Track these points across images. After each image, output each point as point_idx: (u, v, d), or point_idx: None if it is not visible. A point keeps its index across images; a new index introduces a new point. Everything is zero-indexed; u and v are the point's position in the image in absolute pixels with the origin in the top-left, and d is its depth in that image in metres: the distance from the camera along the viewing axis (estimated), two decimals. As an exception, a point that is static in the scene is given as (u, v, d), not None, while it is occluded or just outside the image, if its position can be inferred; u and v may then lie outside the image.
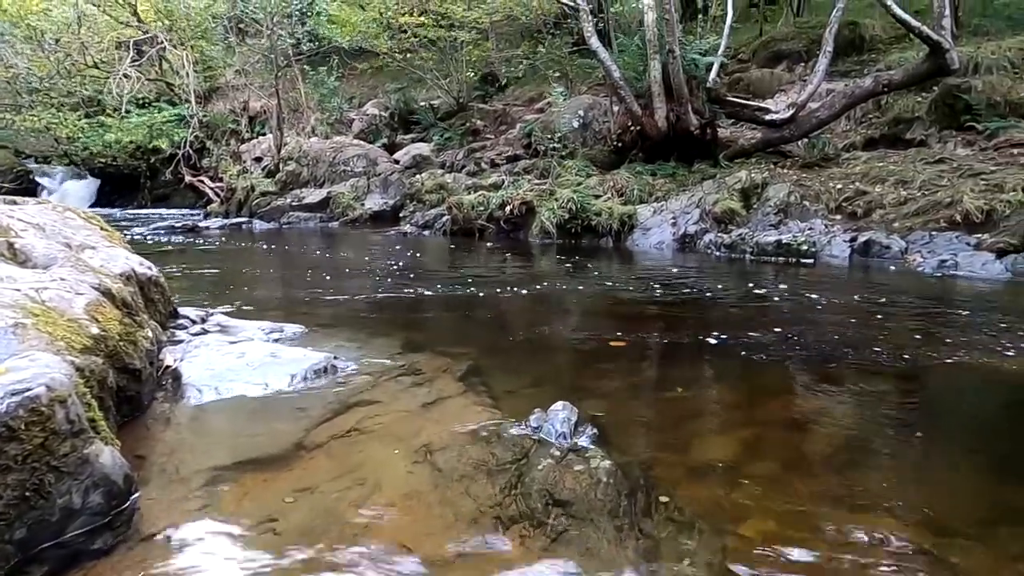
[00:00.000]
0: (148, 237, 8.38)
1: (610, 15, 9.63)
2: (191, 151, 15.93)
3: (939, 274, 4.85)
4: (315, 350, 2.61)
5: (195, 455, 1.74)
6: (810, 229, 6.55)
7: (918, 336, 3.16)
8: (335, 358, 2.51)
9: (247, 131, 16.52)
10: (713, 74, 8.51)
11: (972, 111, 8.24)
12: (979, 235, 5.85)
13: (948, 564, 1.39)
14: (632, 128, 8.66)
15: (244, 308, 3.60)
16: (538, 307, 3.88)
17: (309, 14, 12.06)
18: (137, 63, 15.94)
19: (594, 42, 8.21)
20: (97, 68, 16.17)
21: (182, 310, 3.09)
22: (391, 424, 1.93)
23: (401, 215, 10.47)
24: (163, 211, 14.51)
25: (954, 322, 3.47)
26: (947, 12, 7.65)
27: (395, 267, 5.66)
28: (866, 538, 1.49)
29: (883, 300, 3.96)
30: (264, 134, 15.23)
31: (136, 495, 1.50)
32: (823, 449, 2.03)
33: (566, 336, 3.27)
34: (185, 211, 13.98)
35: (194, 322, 3.00)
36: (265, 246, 7.66)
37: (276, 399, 2.16)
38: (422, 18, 11.72)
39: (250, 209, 11.15)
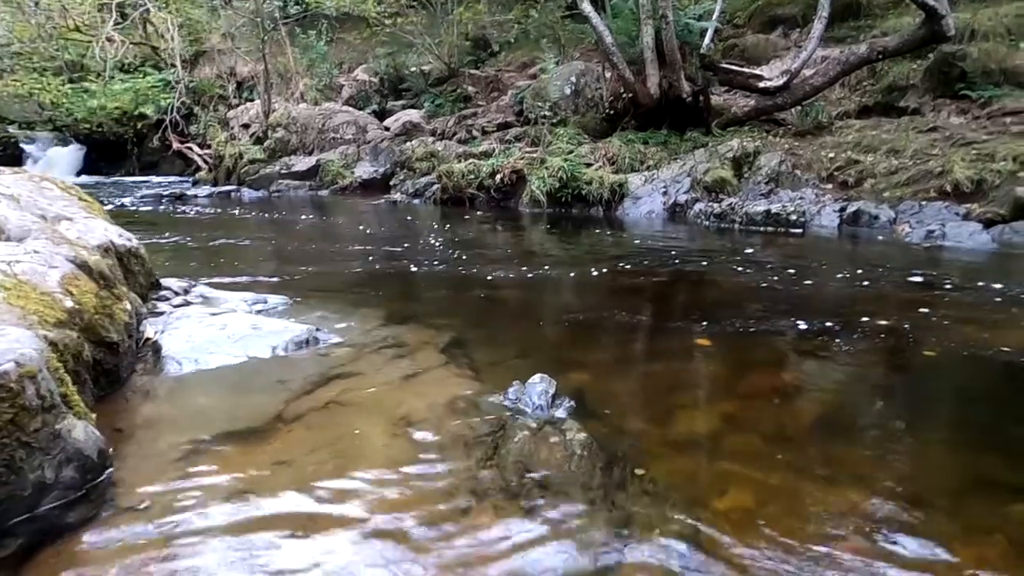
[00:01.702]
0: (135, 206, 8.29)
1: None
2: (178, 117, 15.66)
3: (927, 244, 4.86)
4: (297, 322, 2.61)
5: (173, 428, 1.74)
6: (800, 199, 6.53)
7: (897, 309, 3.18)
8: (317, 330, 2.51)
9: (235, 97, 16.24)
10: (707, 40, 8.38)
11: (967, 79, 8.16)
12: (968, 205, 5.85)
13: (923, 535, 1.41)
14: (624, 95, 8.55)
15: (229, 279, 3.58)
16: (526, 279, 3.86)
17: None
18: (120, 26, 15.56)
19: (586, 7, 8.04)
20: (80, 31, 15.79)
21: (165, 281, 3.07)
22: (371, 396, 1.94)
23: (391, 183, 10.37)
24: (151, 178, 14.34)
25: (938, 297, 3.48)
26: (944, -23, 7.52)
27: (384, 237, 5.63)
28: (842, 510, 1.51)
29: (863, 271, 3.97)
30: (252, 100, 14.97)
31: (112, 469, 1.51)
32: (804, 422, 2.05)
33: (552, 308, 3.27)
34: (173, 178, 13.81)
35: (177, 293, 2.98)
36: (253, 215, 7.59)
37: (256, 371, 2.16)
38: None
39: (238, 177, 11.03)
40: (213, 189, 10.49)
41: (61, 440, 1.38)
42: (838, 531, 1.44)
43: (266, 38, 11.92)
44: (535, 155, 8.27)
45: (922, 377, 2.40)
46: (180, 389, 2.01)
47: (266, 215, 7.53)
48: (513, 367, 2.27)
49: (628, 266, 4.21)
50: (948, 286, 3.59)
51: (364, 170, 10.74)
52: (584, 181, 7.14)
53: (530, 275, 3.77)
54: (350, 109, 12.31)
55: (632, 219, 6.72)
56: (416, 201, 8.65)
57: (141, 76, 16.23)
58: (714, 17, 8.38)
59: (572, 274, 3.95)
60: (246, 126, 12.87)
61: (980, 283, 3.54)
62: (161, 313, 2.67)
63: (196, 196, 9.83)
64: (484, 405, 1.87)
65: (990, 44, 8.33)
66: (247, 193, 10.25)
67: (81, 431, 1.44)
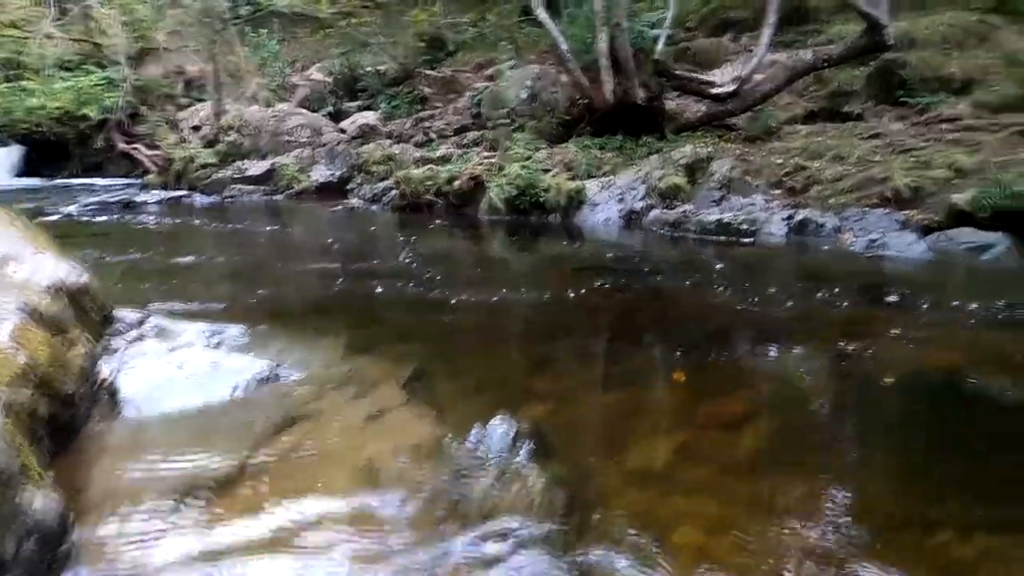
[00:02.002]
0: (81, 216, 8.02)
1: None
2: (124, 117, 15.19)
3: (869, 254, 5.07)
4: (257, 357, 2.60)
5: (134, 484, 1.74)
6: (751, 205, 6.72)
7: (850, 329, 3.34)
8: (278, 366, 2.51)
9: (183, 95, 15.82)
10: (660, 47, 8.54)
11: (906, 86, 8.51)
12: (908, 212, 6.10)
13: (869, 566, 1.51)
14: (580, 101, 8.65)
15: (185, 305, 3.53)
16: (487, 301, 3.86)
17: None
18: (60, 22, 14.98)
19: (542, 14, 8.11)
20: (16, 27, 15.12)
21: (118, 312, 3.01)
22: (334, 442, 1.96)
23: (348, 187, 10.26)
24: (97, 181, 13.80)
25: (887, 316, 3.66)
26: (884, -11, 7.82)
27: (342, 252, 5.60)
28: (788, 544, 1.61)
29: (812, 285, 4.14)
30: (202, 99, 14.59)
31: (73, 535, 1.50)
32: (756, 452, 2.15)
33: (513, 332, 3.33)
34: (120, 180, 13.35)
35: (131, 326, 2.92)
36: (207, 225, 7.44)
37: (217, 416, 2.16)
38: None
39: (190, 182, 10.75)
40: (163, 195, 10.20)
41: (21, 514, 1.37)
42: (785, 567, 1.54)
43: (216, 38, 11.61)
44: (493, 161, 8.31)
45: (874, 404, 2.51)
46: (139, 438, 2.00)
47: (220, 224, 7.39)
48: (475, 402, 2.32)
49: (586, 285, 4.19)
50: (894, 301, 3.71)
51: (320, 174, 10.59)
52: (542, 189, 7.20)
53: (493, 298, 3.77)
54: (304, 111, 12.12)
55: (589, 226, 6.82)
56: (374, 207, 8.59)
57: (83, 74, 15.63)
58: (666, 24, 8.54)
59: (532, 294, 3.99)
60: (196, 128, 12.53)
61: (922, 299, 3.70)
62: (116, 350, 2.63)
63: (146, 203, 9.55)
64: (446, 450, 1.91)
65: (927, 53, 8.70)
66: (199, 199, 10.01)
67: (41, 502, 1.43)
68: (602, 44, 8.15)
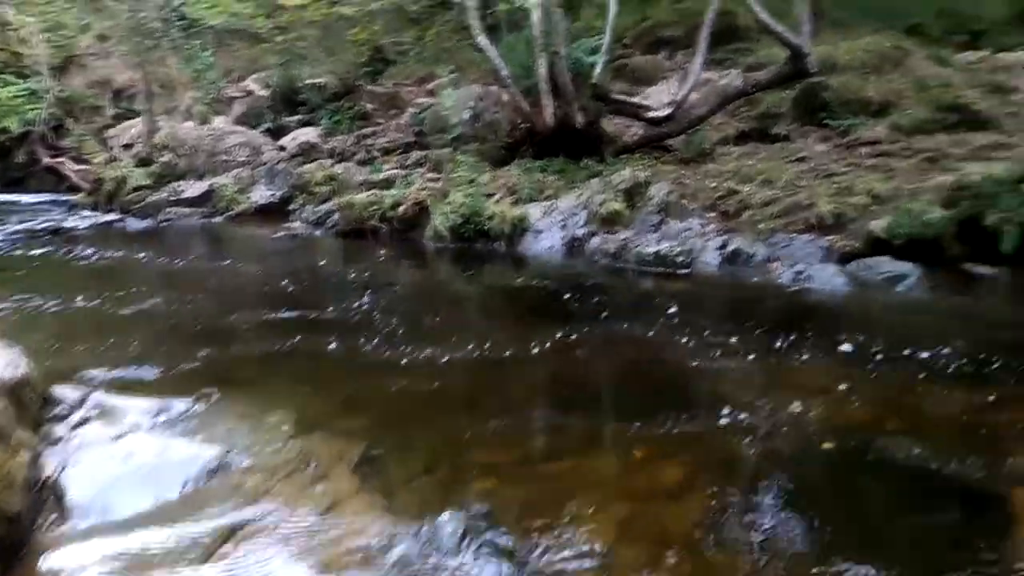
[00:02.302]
0: (4, 248, 7.68)
1: (501, 12, 9.61)
2: (47, 130, 14.55)
3: (795, 287, 5.37)
4: (206, 441, 2.62)
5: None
6: (688, 230, 6.99)
7: (789, 386, 3.56)
8: (227, 452, 2.54)
9: (111, 107, 15.26)
10: (598, 71, 8.74)
11: (828, 108, 8.99)
12: (831, 237, 6.47)
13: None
14: (522, 125, 8.79)
15: (125, 371, 3.48)
16: (436, 353, 3.81)
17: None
18: (-27, 31, 14.19)
19: (482, 40, 8.20)
20: (-75, 36, 14.25)
21: (56, 389, 2.96)
22: (286, 547, 2.02)
23: (290, 207, 10.13)
24: (21, 197, 13.15)
25: (821, 368, 3.91)
26: (806, 19, 8.24)
27: (287, 292, 5.56)
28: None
29: (748, 327, 4.37)
30: (132, 110, 14.09)
31: None
32: (691, 526, 2.30)
33: (461, 393, 3.38)
34: (46, 196, 12.79)
35: (71, 407, 2.89)
36: (142, 255, 7.22)
37: (169, 515, 2.18)
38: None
39: (122, 204, 10.40)
40: (94, 219, 9.85)
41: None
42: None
43: (145, 55, 11.24)
44: (437, 185, 8.36)
45: (810, 474, 2.68)
46: (89, 552, 2.00)
47: (156, 256, 7.17)
48: (427, 485, 2.41)
49: (534, 335, 4.19)
50: (823, 349, 3.94)
51: (260, 194, 10.41)
52: (486, 216, 7.31)
53: (443, 357, 3.72)
54: (242, 129, 11.87)
55: (533, 254, 6.96)
56: (317, 232, 8.52)
57: (2, 85, 14.88)
58: (603, 50, 8.75)
59: (481, 348, 3.93)
60: (128, 146, 12.12)
61: (846, 344, 3.93)
62: (58, 439, 2.61)
63: (75, 228, 9.22)
64: (398, 548, 2.00)
65: (847, 77, 9.21)
66: (132, 223, 9.70)
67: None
68: (541, 69, 8.31)
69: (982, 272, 5.61)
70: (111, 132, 13.04)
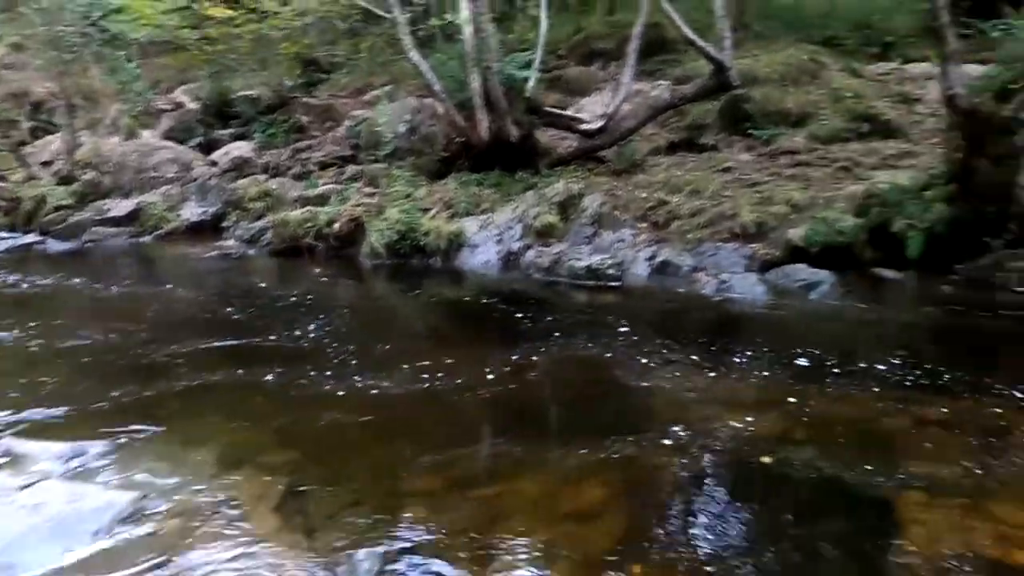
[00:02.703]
0: (-89, 276, 7.25)
1: (433, 27, 9.67)
2: (-43, 145, 13.80)
3: (719, 297, 5.59)
4: (122, 486, 2.57)
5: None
6: (620, 241, 7.18)
7: (719, 402, 3.72)
8: (143, 497, 2.50)
9: (28, 121, 14.58)
10: (531, 85, 8.88)
11: (751, 119, 9.37)
12: (754, 245, 6.76)
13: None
14: (457, 139, 8.85)
15: (37, 413, 3.36)
16: (366, 380, 3.80)
17: (92, 6, 10.74)
18: None
19: (414, 56, 8.22)
20: None
21: (-38, 437, 2.86)
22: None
23: (223, 225, 9.90)
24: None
25: (751, 384, 4.09)
26: (728, 35, 8.57)
27: (216, 313, 5.46)
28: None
29: (678, 342, 4.54)
30: (51, 123, 13.50)
31: None
32: (611, 540, 2.40)
33: (391, 421, 3.38)
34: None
35: (-23, 455, 2.79)
36: (64, 280, 6.94)
37: (81, 570, 2.14)
38: (231, 11, 10.92)
39: (42, 225, 9.95)
40: (12, 241, 9.40)
41: None
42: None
43: (64, 67, 10.80)
44: (373, 200, 8.33)
45: (723, 486, 2.81)
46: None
47: (79, 281, 6.91)
48: (351, 519, 2.43)
49: (466, 356, 4.31)
50: (738, 362, 4.12)
51: (191, 212, 10.14)
52: (422, 232, 7.33)
53: (373, 384, 3.73)
54: (171, 144, 11.52)
55: (470, 268, 7.02)
56: (251, 251, 8.36)
57: (-95, 99, 14.04)
58: (535, 64, 8.90)
59: (413, 373, 3.96)
60: (47, 163, 11.60)
61: (762, 356, 4.12)
62: (-39, 492, 2.52)
63: (-10, 252, 8.78)
64: (316, 589, 2.02)
65: (768, 89, 9.62)
66: (54, 245, 9.30)
67: None
68: (475, 84, 8.38)
69: (890, 276, 5.97)
70: (29, 148, 12.44)
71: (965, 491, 2.58)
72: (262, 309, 5.58)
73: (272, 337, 4.68)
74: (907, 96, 9.74)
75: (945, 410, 3.25)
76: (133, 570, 2.12)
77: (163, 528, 2.35)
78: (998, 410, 3.22)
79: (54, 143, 11.98)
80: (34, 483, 2.58)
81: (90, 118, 13.36)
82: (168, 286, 6.55)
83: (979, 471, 2.72)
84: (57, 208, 10.00)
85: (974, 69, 9.16)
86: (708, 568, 2.23)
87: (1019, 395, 3.37)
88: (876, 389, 3.52)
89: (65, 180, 10.84)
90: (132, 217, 9.89)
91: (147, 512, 2.44)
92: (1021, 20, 7.61)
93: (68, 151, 10.94)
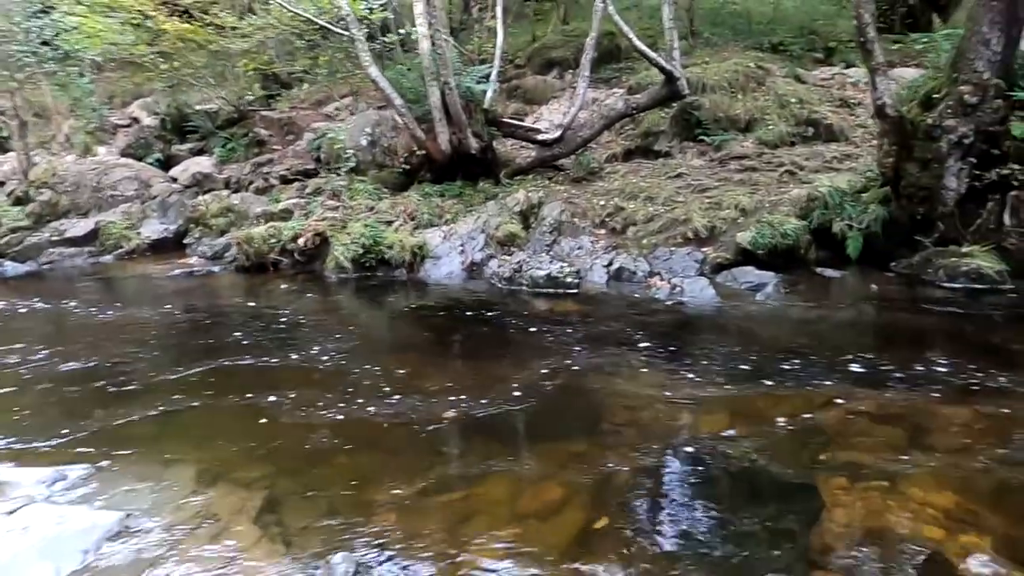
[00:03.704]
0: None
1: (391, 42, 9.83)
2: (-96, 167, 13.41)
3: (670, 301, 5.87)
4: (105, 507, 2.71)
5: None
6: (579, 249, 7.46)
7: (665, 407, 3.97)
8: (127, 516, 2.64)
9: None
10: (488, 97, 9.11)
11: (702, 125, 9.75)
12: (706, 249, 7.09)
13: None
14: (418, 151, 9.02)
15: (15, 442, 3.45)
16: (333, 396, 4.00)
17: (44, 25, 10.59)
18: None
19: (373, 71, 8.37)
20: None
21: (-57, 467, 2.95)
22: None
23: (186, 241, 9.91)
24: None
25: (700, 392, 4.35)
26: (676, 46, 8.93)
27: (183, 333, 5.55)
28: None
29: (625, 344, 4.79)
30: (4, 138, 13.23)
31: None
32: (568, 535, 2.63)
33: (359, 433, 3.55)
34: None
35: (-40, 484, 2.89)
36: (21, 305, 6.90)
37: (71, 588, 2.28)
38: (187, 25, 10.89)
39: (-2, 247, 9.80)
40: (-33, 265, 9.24)
41: None
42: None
43: (15, 83, 10.64)
44: (336, 214, 8.45)
45: (669, 479, 3.08)
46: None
47: (38, 305, 6.89)
48: (326, 528, 2.61)
49: (432, 364, 4.56)
50: (682, 364, 4.45)
51: (152, 229, 10.12)
52: (386, 245, 7.49)
53: (345, 398, 3.91)
54: (129, 161, 11.44)
55: (434, 280, 7.20)
56: (216, 268, 8.40)
57: None
58: (492, 77, 9.13)
59: (380, 388, 4.14)
60: (0, 184, 11.39)
61: (705, 357, 4.43)
62: (-52, 520, 2.62)
63: (-55, 277, 8.64)
64: (296, 593, 2.20)
65: (717, 96, 10.01)
66: (11, 267, 9.18)
67: None
68: (434, 98, 8.58)
69: (832, 275, 6.36)
70: (-21, 170, 12.18)
71: (884, 476, 2.87)
72: (225, 328, 5.68)
73: (234, 357, 4.79)
74: (848, 100, 10.23)
75: (874, 402, 3.57)
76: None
77: (147, 542, 2.50)
78: (921, 401, 3.55)
79: (6, 163, 11.77)
80: (19, 508, 2.70)
81: (42, 135, 13.17)
82: (131, 308, 6.57)
83: (899, 457, 3.02)
84: (13, 230, 9.86)
85: (910, 73, 9.78)
86: (656, 551, 2.47)
87: (939, 385, 3.72)
88: (809, 385, 3.82)
89: (20, 200, 10.68)
90: (91, 237, 9.83)
91: (132, 530, 2.58)
92: (943, 32, 8.11)
93: (22, 171, 10.77)
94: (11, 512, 2.67)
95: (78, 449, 3.32)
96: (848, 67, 11.71)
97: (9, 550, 2.41)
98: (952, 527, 2.54)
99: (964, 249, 5.83)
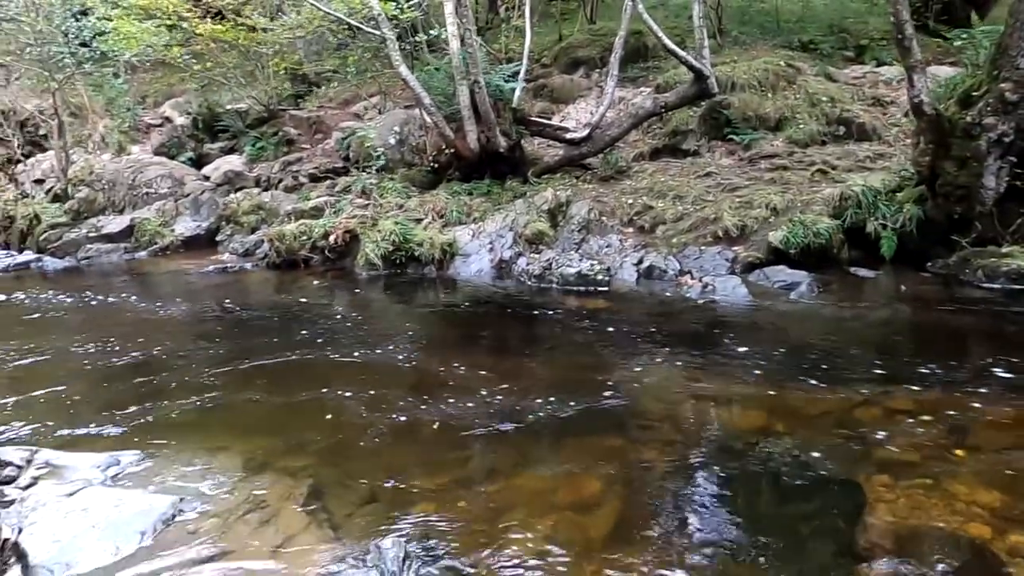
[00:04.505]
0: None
1: (420, 41, 9.92)
2: (-52, 165, 13.83)
3: (703, 299, 5.87)
4: (159, 491, 2.79)
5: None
6: (608, 247, 7.46)
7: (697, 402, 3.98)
8: (180, 500, 2.72)
9: (17, 137, 14.64)
10: (517, 95, 9.15)
11: (731, 124, 9.68)
12: (736, 248, 7.06)
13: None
14: (446, 150, 9.09)
15: (68, 430, 3.56)
16: (369, 376, 4.16)
17: (82, 27, 10.87)
18: None
19: (403, 70, 8.45)
20: None
21: (2, 452, 3.06)
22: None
23: (218, 239, 10.09)
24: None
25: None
26: (706, 43, 8.88)
27: (219, 329, 5.66)
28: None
29: (667, 346, 4.79)
30: (43, 136, 13.58)
31: None
32: (607, 528, 2.65)
33: (394, 426, 3.61)
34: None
35: (20, 467, 3.00)
36: (65, 302, 7.09)
37: (132, 566, 2.35)
38: (219, 26, 11.09)
39: (37, 243, 10.07)
40: (10, 259, 9.51)
41: None
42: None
43: (55, 87, 10.92)
44: (366, 212, 8.55)
45: (710, 475, 3.09)
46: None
47: (79, 296, 7.08)
48: (370, 514, 2.67)
49: (467, 358, 4.59)
50: (719, 361, 4.44)
51: (186, 226, 10.32)
52: (416, 243, 7.56)
53: (373, 372, 4.05)
54: (163, 160, 11.67)
55: (463, 277, 7.26)
56: (247, 265, 8.54)
57: None
58: (520, 75, 9.17)
59: (411, 386, 4.20)
60: (40, 181, 11.70)
61: (741, 355, 4.41)
62: (11, 501, 2.72)
63: (-12, 271, 8.91)
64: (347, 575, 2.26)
65: (746, 94, 9.94)
66: (50, 263, 9.43)
67: None
68: (463, 97, 8.63)
69: (866, 275, 6.30)
70: (20, 167, 12.52)
71: (928, 474, 2.85)
72: (262, 322, 5.80)
73: (283, 352, 4.88)
74: (880, 99, 10.10)
75: (915, 401, 3.54)
76: (179, 566, 2.34)
77: (202, 528, 2.57)
78: (963, 400, 3.52)
79: (45, 161, 12.09)
80: (78, 491, 2.79)
81: (78, 135, 13.50)
82: (169, 303, 6.71)
83: (942, 455, 3.00)
84: (52, 226, 10.14)
85: (945, 71, 9.64)
86: (695, 544, 2.49)
87: (981, 383, 3.68)
88: (848, 383, 3.80)
89: (59, 198, 10.97)
90: (127, 233, 10.06)
91: (186, 513, 2.65)
92: (982, 29, 7.98)
93: (61, 169, 11.05)
94: (70, 494, 2.76)
95: (129, 436, 3.42)
96: (880, 65, 11.56)
97: (70, 530, 2.49)
98: (1000, 525, 2.51)
99: (1004, 249, 5.74)
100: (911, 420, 3.39)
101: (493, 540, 2.57)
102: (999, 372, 3.84)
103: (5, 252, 10.29)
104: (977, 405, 3.46)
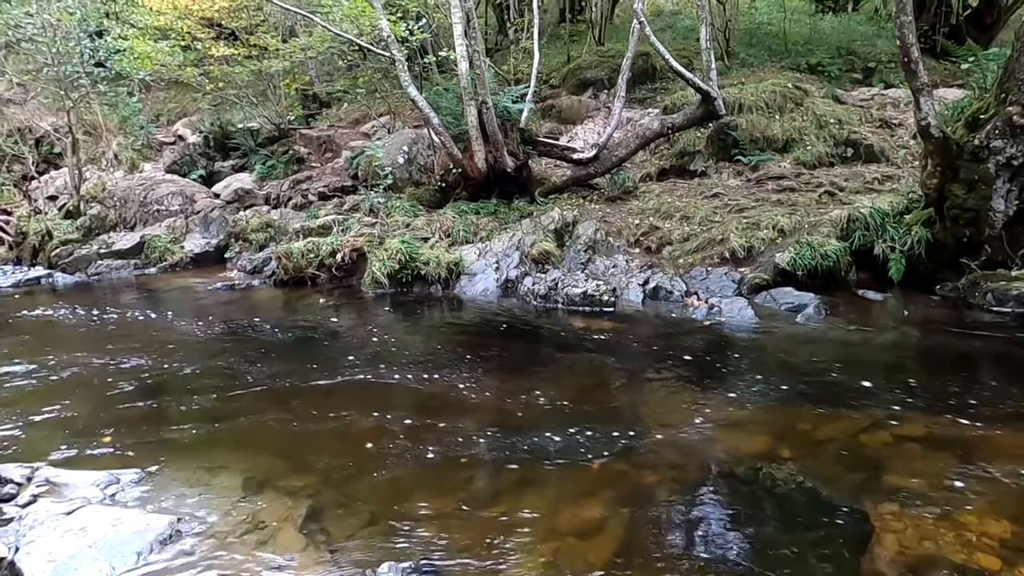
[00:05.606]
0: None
1: (429, 62, 10.03)
2: (-37, 181, 14.03)
3: (709, 321, 5.83)
4: (157, 511, 2.77)
5: None
6: (614, 267, 7.45)
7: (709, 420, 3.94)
8: (179, 520, 2.70)
9: (31, 152, 14.86)
10: (525, 116, 9.21)
11: (739, 145, 9.71)
12: (743, 269, 7.03)
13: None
14: (454, 169, 9.14)
15: (70, 448, 3.55)
16: (372, 396, 4.15)
17: (97, 47, 11.07)
18: None
19: (412, 91, 8.53)
20: None
21: (3, 469, 3.06)
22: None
23: (227, 256, 10.14)
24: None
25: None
26: (714, 66, 8.94)
27: (226, 346, 5.67)
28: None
29: (683, 372, 4.76)
30: (55, 154, 13.77)
31: None
32: (608, 553, 2.61)
33: (396, 448, 3.59)
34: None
35: (20, 484, 2.99)
36: (73, 313, 7.14)
37: (126, 589, 2.34)
38: (232, 50, 11.26)
39: (49, 259, 10.16)
40: (20, 275, 9.59)
41: None
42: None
43: (71, 105, 11.09)
44: (374, 230, 8.59)
45: (712, 499, 3.07)
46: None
47: (87, 312, 7.11)
48: (368, 537, 2.64)
49: (471, 380, 4.58)
50: (724, 386, 4.41)
51: (195, 243, 10.39)
52: (422, 261, 7.57)
53: (384, 412, 4.01)
54: (174, 177, 11.80)
55: (469, 297, 7.25)
56: (255, 282, 8.57)
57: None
58: (528, 97, 9.24)
59: (418, 401, 4.23)
60: (53, 198, 11.84)
61: (746, 379, 4.38)
62: (10, 519, 2.71)
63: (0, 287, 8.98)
64: (344, 602, 2.23)
65: (753, 116, 9.97)
66: (61, 278, 9.50)
67: None
68: (471, 117, 8.69)
69: (874, 297, 6.25)
70: (34, 184, 12.68)
71: (937, 502, 2.80)
72: (268, 341, 5.80)
73: (276, 368, 4.89)
74: (888, 121, 10.10)
75: (923, 427, 3.49)
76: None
77: (199, 550, 2.55)
78: (973, 426, 3.46)
79: (59, 178, 12.23)
80: (76, 509, 2.78)
81: (92, 152, 13.67)
82: (177, 320, 6.74)
83: (951, 483, 2.94)
84: (64, 242, 10.23)
85: (952, 94, 9.64)
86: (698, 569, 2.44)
87: (991, 410, 3.62)
88: (855, 407, 3.75)
89: (71, 214, 11.08)
90: (137, 250, 10.13)
91: (183, 534, 2.63)
92: (989, 52, 7.99)
93: (74, 186, 11.18)
94: (68, 513, 2.75)
95: (131, 454, 3.41)
96: (887, 87, 11.59)
97: (66, 550, 2.48)
98: (1010, 557, 2.46)
99: (1014, 273, 5.69)
100: (919, 446, 3.34)
101: (493, 566, 2.53)
102: (1009, 398, 3.78)
103: (17, 267, 10.39)
104: (987, 432, 3.41)
